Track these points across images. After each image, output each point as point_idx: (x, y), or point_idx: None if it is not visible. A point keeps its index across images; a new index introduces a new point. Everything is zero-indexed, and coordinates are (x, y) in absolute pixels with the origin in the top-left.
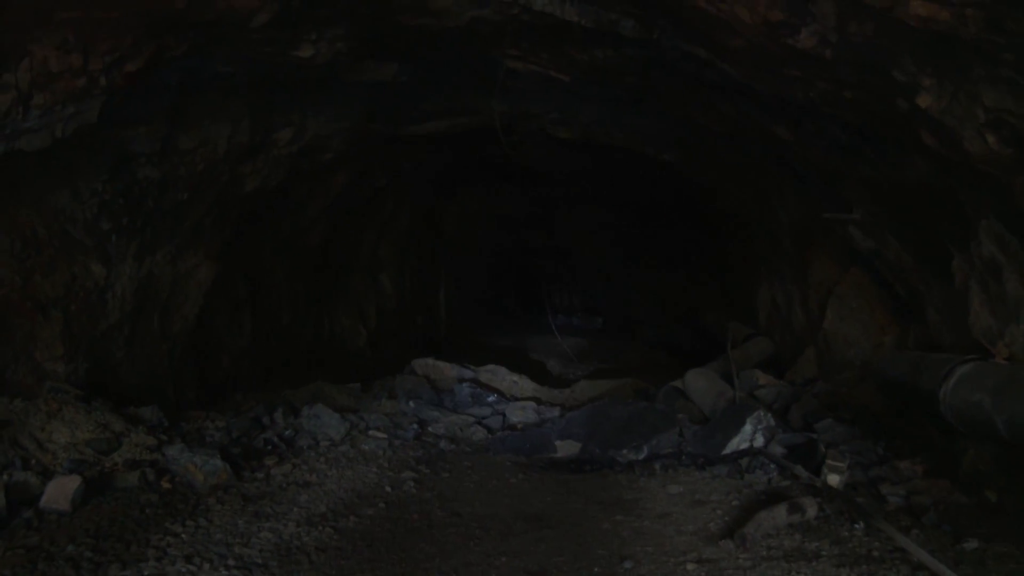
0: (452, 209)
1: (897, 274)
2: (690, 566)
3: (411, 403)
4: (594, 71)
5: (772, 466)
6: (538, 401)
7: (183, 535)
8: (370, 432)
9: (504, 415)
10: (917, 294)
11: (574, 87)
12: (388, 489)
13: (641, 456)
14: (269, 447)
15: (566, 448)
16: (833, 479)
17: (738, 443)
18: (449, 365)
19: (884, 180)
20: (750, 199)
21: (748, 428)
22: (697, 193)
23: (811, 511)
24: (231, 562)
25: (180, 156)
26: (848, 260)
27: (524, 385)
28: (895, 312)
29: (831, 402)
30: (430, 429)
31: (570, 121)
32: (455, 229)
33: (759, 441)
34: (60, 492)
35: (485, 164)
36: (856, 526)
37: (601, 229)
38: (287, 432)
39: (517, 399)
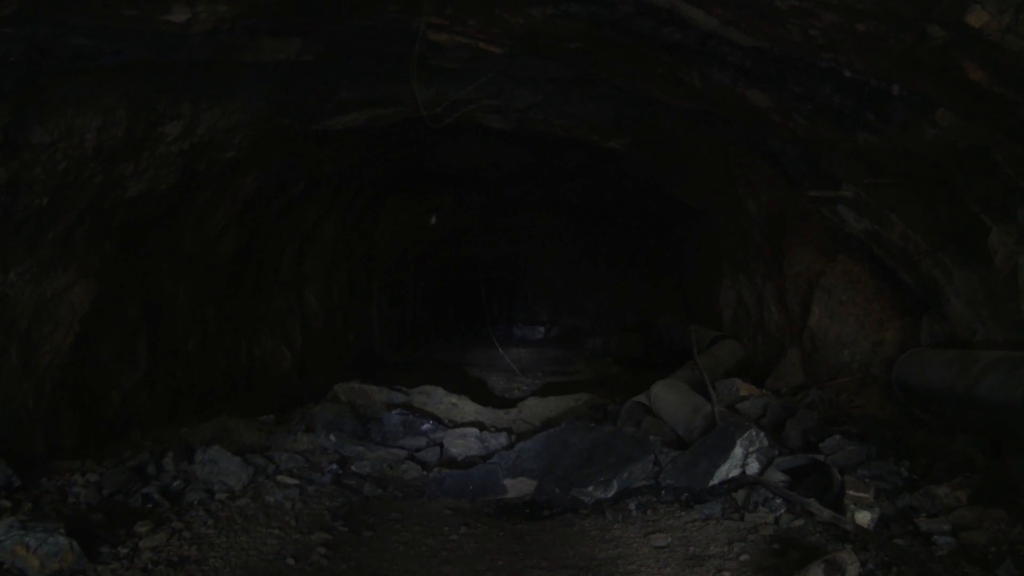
0: (384, 219)
1: (902, 259)
2: None
3: (331, 437)
4: (531, 39)
5: (777, 500)
6: (481, 426)
7: None
8: (279, 477)
9: (442, 446)
10: (931, 282)
11: (510, 66)
12: (291, 562)
13: (611, 493)
14: (149, 505)
15: (518, 487)
16: (863, 517)
17: (727, 471)
18: (377, 389)
19: (889, 148)
20: (710, 188)
21: (739, 452)
22: (649, 187)
23: (852, 569)
24: None
25: (34, 152)
26: (834, 247)
27: (464, 408)
28: (897, 304)
29: (830, 414)
30: (353, 469)
31: (505, 108)
32: (388, 241)
33: (753, 467)
34: None
35: (416, 169)
36: None
37: (544, 234)
38: (175, 483)
39: (457, 425)
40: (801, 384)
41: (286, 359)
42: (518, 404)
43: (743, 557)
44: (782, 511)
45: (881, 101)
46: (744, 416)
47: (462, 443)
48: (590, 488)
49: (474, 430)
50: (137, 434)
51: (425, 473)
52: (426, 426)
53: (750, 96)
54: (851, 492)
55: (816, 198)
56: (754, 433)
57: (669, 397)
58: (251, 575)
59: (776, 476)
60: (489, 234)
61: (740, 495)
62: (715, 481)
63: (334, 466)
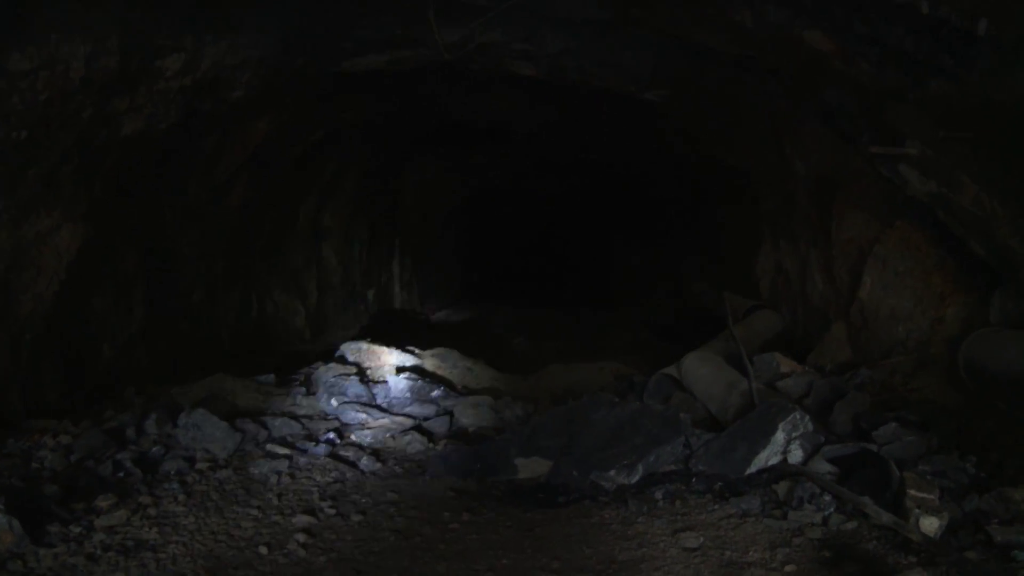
0: (409, 175)
1: (973, 227)
2: None
3: (333, 401)
4: None
5: (825, 497)
6: (497, 395)
7: None
8: (268, 446)
9: (452, 415)
10: (1007, 252)
11: (542, 5)
12: (263, 551)
13: (635, 479)
14: (119, 474)
15: (531, 467)
16: (929, 524)
17: (767, 458)
18: (387, 350)
19: (967, 99)
20: (754, 147)
21: (780, 437)
22: (686, 147)
23: None
24: None
25: (11, 80)
26: (891, 212)
27: (480, 373)
28: (961, 277)
29: (883, 397)
30: (352, 438)
31: (536, 54)
32: (413, 197)
33: (796, 455)
34: None
35: (443, 124)
36: None
37: (574, 194)
38: (154, 450)
39: (471, 392)
40: (848, 362)
41: (300, 315)
42: (538, 371)
43: (788, 568)
44: (831, 510)
45: (963, 42)
46: (785, 396)
47: (474, 413)
48: (612, 472)
49: (488, 399)
50: (131, 392)
51: (431, 446)
52: (436, 392)
53: (809, 38)
54: (913, 492)
55: (876, 156)
56: (798, 416)
57: (702, 371)
58: (214, 566)
59: (822, 467)
60: (518, 193)
61: (782, 488)
62: (753, 469)
63: (331, 435)
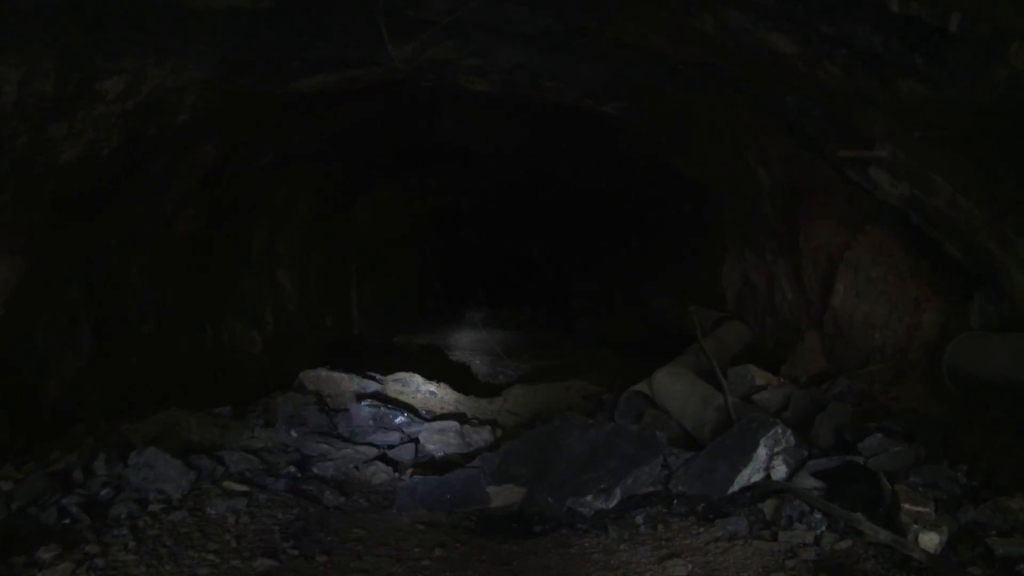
0: (365, 198)
1: (948, 230)
2: None
3: (292, 432)
4: None
5: (816, 515)
6: (462, 419)
7: None
8: (225, 483)
9: (417, 442)
10: (986, 255)
11: (494, 18)
12: None
13: (613, 503)
14: (65, 521)
15: (504, 495)
16: (928, 540)
17: (750, 475)
18: (347, 376)
19: (940, 99)
20: (715, 158)
21: (762, 453)
22: (646, 160)
23: None
24: None
25: None
26: (860, 218)
27: (444, 396)
28: (936, 282)
29: (864, 408)
30: (314, 470)
31: (490, 69)
32: (370, 221)
33: (780, 471)
34: None
35: (400, 146)
36: None
37: (533, 214)
38: (103, 492)
39: (435, 417)
40: (823, 372)
41: (256, 344)
42: (503, 392)
43: None
44: (823, 528)
45: (934, 40)
46: (763, 409)
47: (440, 439)
48: (589, 497)
49: (454, 424)
50: (82, 430)
51: (397, 476)
52: (400, 419)
53: (772, 42)
54: (907, 506)
55: (845, 160)
56: (780, 431)
57: (675, 387)
58: None
59: (808, 482)
60: (476, 215)
61: (769, 506)
62: (735, 488)
63: (292, 468)
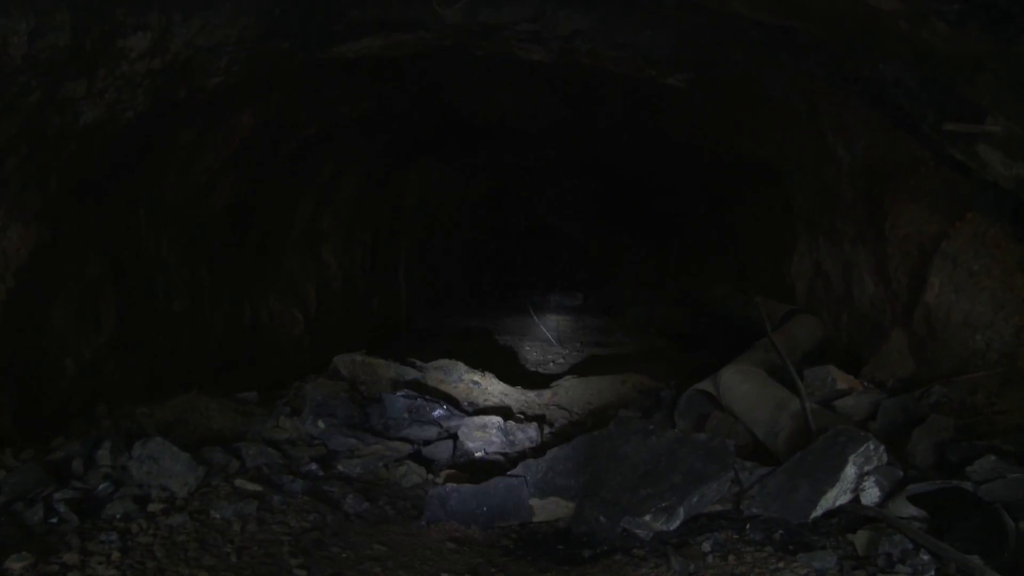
0: (412, 176)
1: None
2: None
3: (320, 423)
4: None
5: (921, 554)
6: (507, 413)
7: None
8: (237, 481)
9: (456, 438)
10: None
11: None
12: None
13: (674, 524)
14: (52, 520)
15: (549, 510)
16: None
17: (835, 497)
18: (384, 363)
19: None
20: (787, 135)
21: (851, 472)
22: (708, 136)
23: None
24: None
25: None
26: (957, 204)
27: (488, 387)
28: None
29: (966, 421)
30: (339, 468)
31: (546, 35)
32: (417, 200)
33: (871, 494)
34: None
35: (446, 121)
36: None
37: (584, 194)
38: (102, 487)
39: (477, 410)
40: (911, 376)
41: (298, 324)
42: (553, 384)
43: None
44: (932, 573)
45: None
46: (845, 418)
47: (481, 436)
48: (648, 517)
49: (497, 419)
50: (103, 411)
51: (430, 477)
52: (438, 412)
53: None
54: None
55: (948, 136)
56: (872, 446)
57: (744, 387)
58: None
59: (906, 510)
60: (524, 197)
61: (860, 539)
62: (818, 512)
63: (314, 466)
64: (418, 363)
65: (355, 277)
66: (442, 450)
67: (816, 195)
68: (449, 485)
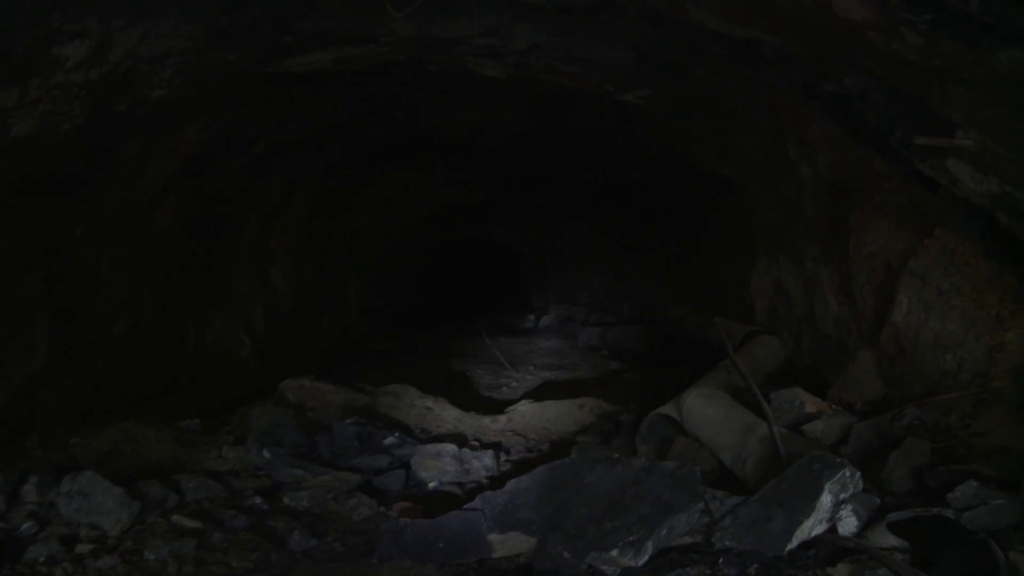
0: (365, 195)
1: None
2: None
3: (265, 453)
4: None
5: None
6: (461, 440)
7: None
8: (175, 517)
9: (408, 468)
10: None
11: None
12: None
13: (643, 559)
14: None
15: (509, 545)
16: None
17: (811, 528)
18: (333, 388)
19: None
20: (749, 151)
21: (827, 500)
22: (666, 153)
23: None
24: None
25: None
26: (924, 221)
27: (441, 414)
28: (1022, 294)
29: (942, 445)
30: (285, 501)
31: (502, 50)
32: (370, 219)
33: (849, 523)
34: None
35: (402, 138)
36: None
37: (539, 214)
38: (25, 526)
39: (430, 438)
40: (881, 398)
41: (245, 346)
42: (508, 410)
43: None
44: None
45: None
46: (815, 442)
47: (435, 465)
48: (614, 552)
49: (451, 447)
50: (34, 441)
51: (382, 510)
52: (390, 439)
53: (839, 7)
54: None
55: (919, 150)
56: (848, 473)
57: (708, 411)
58: None
59: (886, 539)
60: (480, 213)
61: (841, 573)
62: (794, 544)
63: (257, 499)
64: (368, 388)
65: (306, 298)
66: (394, 480)
67: (777, 212)
68: (403, 520)
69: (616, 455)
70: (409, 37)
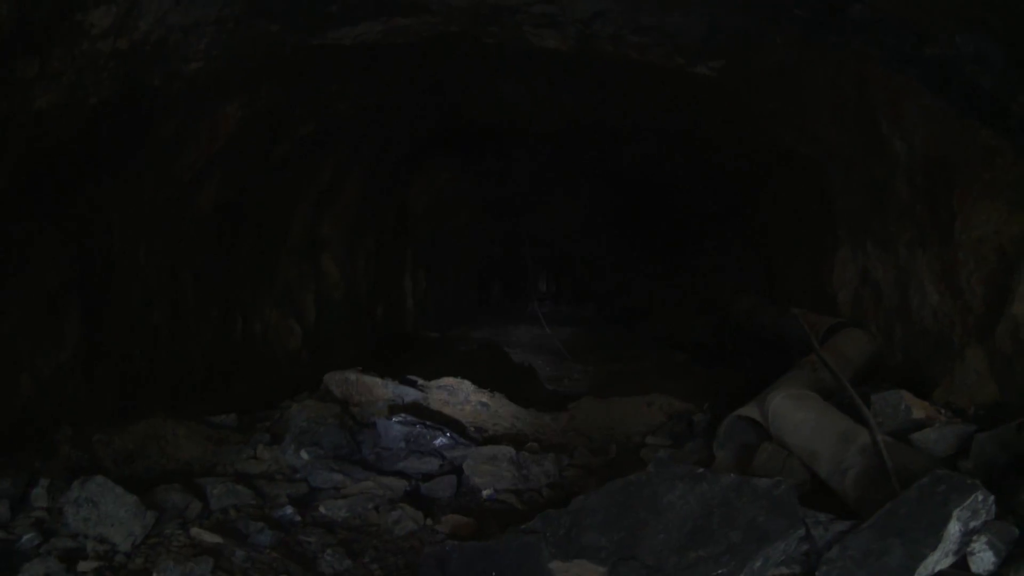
0: (418, 181)
1: None
2: None
3: (303, 454)
4: None
5: None
6: (520, 442)
7: None
8: (194, 531)
9: (461, 473)
10: None
11: None
12: None
13: None
14: None
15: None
16: None
17: (936, 562)
18: (380, 381)
19: None
20: (831, 127)
21: (955, 528)
22: (738, 131)
23: None
24: None
25: None
26: None
27: (498, 409)
28: None
29: None
30: (321, 510)
31: (562, 19)
32: (424, 206)
33: (984, 559)
34: None
35: (454, 122)
36: None
37: (595, 205)
38: (26, 537)
39: (485, 436)
40: (996, 403)
41: (295, 336)
42: (570, 406)
43: None
44: None
45: None
46: (926, 454)
47: (490, 470)
48: None
49: (508, 450)
50: (66, 434)
51: (429, 523)
52: (440, 440)
53: None
54: None
55: None
56: (980, 497)
57: (799, 415)
58: None
59: None
60: (536, 204)
61: None
62: None
63: (289, 509)
64: (419, 381)
65: (358, 286)
66: (444, 487)
67: (864, 194)
68: (449, 543)
69: (700, 470)
70: (463, 6)
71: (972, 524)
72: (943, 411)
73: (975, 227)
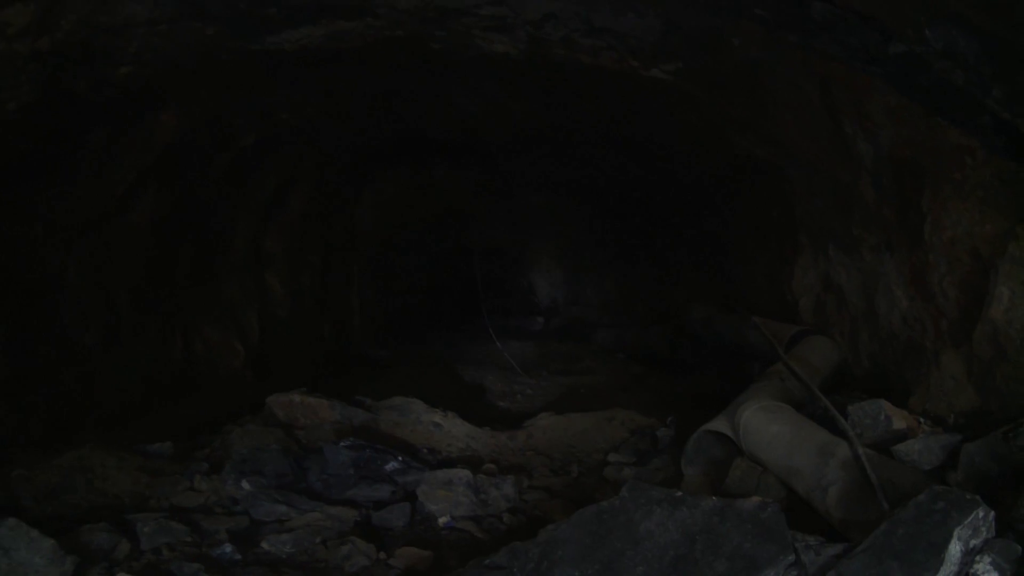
0: (366, 194)
1: None
2: None
3: (244, 483)
4: None
5: None
6: (476, 464)
7: None
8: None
9: (415, 499)
10: None
11: None
12: None
13: None
14: None
15: None
16: None
17: None
18: (327, 403)
19: None
20: (794, 129)
21: (956, 549)
22: (694, 136)
23: None
24: None
25: None
26: (1017, 201)
27: (451, 430)
28: None
29: None
30: (263, 546)
31: (513, 22)
32: (372, 220)
33: None
34: None
35: (402, 133)
36: None
37: (546, 214)
38: None
39: (439, 458)
40: (977, 410)
41: (239, 355)
42: (527, 424)
43: None
44: None
45: None
46: (911, 466)
47: (446, 495)
48: None
49: (465, 473)
50: None
51: (381, 557)
52: (391, 464)
53: None
54: None
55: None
56: (981, 514)
57: (773, 428)
58: None
59: None
60: (486, 216)
61: None
62: None
63: (228, 547)
64: (368, 402)
65: (303, 303)
66: (397, 516)
67: (826, 198)
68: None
69: (679, 493)
70: (409, 8)
71: (973, 543)
72: (922, 420)
73: (947, 229)
